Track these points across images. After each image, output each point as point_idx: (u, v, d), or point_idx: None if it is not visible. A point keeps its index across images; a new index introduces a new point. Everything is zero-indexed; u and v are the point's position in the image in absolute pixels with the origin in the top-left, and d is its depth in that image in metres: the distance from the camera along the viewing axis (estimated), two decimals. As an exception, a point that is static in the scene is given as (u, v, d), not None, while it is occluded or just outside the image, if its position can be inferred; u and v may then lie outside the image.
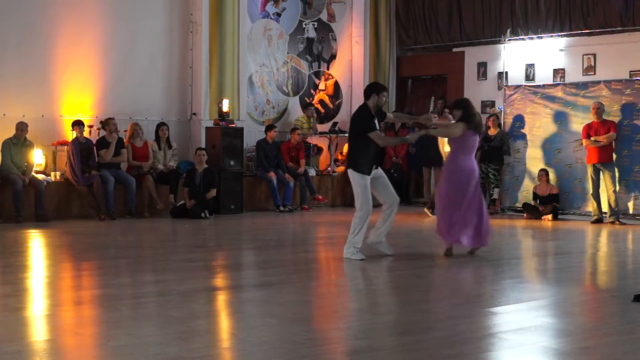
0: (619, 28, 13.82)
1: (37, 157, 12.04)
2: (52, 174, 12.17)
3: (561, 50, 14.50)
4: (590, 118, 12.41)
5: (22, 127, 11.68)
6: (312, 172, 14.60)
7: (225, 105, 13.45)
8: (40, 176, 11.88)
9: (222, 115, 13.42)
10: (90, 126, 12.58)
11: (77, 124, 12.09)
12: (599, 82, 13.00)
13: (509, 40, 14.89)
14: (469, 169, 8.27)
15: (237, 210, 13.17)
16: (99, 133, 12.69)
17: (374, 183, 8.24)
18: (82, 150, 12.01)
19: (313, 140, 15.42)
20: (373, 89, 8.31)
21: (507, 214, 13.53)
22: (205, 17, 13.93)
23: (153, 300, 6.29)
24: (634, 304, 6.04)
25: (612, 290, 7.03)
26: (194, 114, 14.11)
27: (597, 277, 8.00)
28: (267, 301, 6.19)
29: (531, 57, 14.84)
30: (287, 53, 15.73)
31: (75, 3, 12.96)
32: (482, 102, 15.35)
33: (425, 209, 13.22)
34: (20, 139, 11.67)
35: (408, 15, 16.73)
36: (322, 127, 15.85)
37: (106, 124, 12.39)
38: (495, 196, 13.58)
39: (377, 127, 8.24)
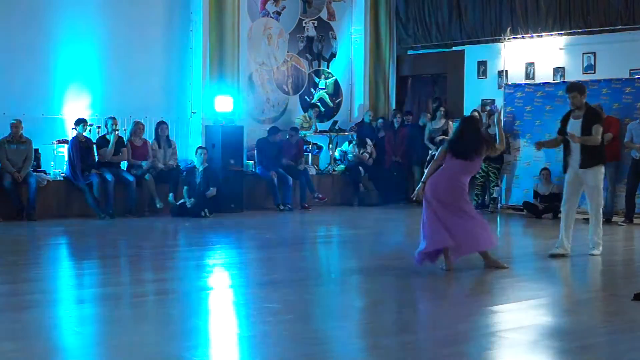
0: (619, 27, 13.82)
1: (35, 155, 12.01)
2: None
3: (561, 48, 14.48)
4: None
5: (16, 124, 11.65)
6: (312, 171, 14.60)
7: (222, 104, 13.49)
8: (41, 175, 11.89)
9: (221, 114, 13.48)
10: (90, 125, 12.57)
11: (81, 121, 12.08)
12: (599, 81, 13.00)
13: (509, 38, 14.89)
14: None
15: (237, 209, 13.17)
16: (99, 132, 12.70)
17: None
18: (81, 148, 12.01)
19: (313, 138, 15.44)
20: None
21: (507, 213, 13.54)
22: (205, 15, 13.92)
23: (153, 299, 6.29)
24: (633, 303, 6.04)
25: (612, 289, 7.03)
26: (194, 112, 14.11)
27: (597, 275, 8.00)
28: (267, 299, 6.19)
29: (531, 56, 14.83)
30: (287, 52, 15.72)
31: (75, 1, 12.96)
32: (482, 100, 15.36)
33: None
34: (15, 137, 11.66)
35: (408, 13, 16.72)
36: (322, 126, 15.85)
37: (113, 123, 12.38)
38: (496, 195, 13.59)
39: (567, 129, 8.59)
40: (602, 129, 8.59)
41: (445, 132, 14.71)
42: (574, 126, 8.59)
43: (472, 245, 7.48)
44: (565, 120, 8.78)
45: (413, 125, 15.33)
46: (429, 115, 14.88)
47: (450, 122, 14.76)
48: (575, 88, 8.63)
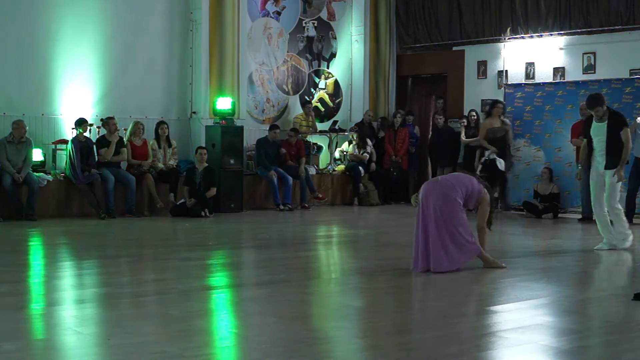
0: (619, 27, 13.81)
1: (36, 155, 12.02)
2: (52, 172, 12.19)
3: (561, 48, 14.48)
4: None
5: (17, 125, 11.66)
6: (312, 171, 14.60)
7: (222, 104, 13.49)
8: (41, 175, 11.88)
9: (221, 114, 13.49)
10: (90, 125, 12.57)
11: (81, 122, 12.07)
12: (599, 81, 13.00)
13: (509, 38, 14.89)
14: None
15: (237, 209, 13.18)
16: (99, 132, 12.70)
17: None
18: (82, 148, 12.01)
19: (313, 138, 15.43)
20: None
21: (507, 213, 13.54)
22: (205, 15, 13.93)
23: (153, 299, 6.29)
24: (633, 303, 6.04)
25: (612, 289, 7.03)
26: (194, 112, 14.11)
27: (597, 275, 8.00)
28: (267, 299, 6.19)
29: (531, 56, 14.83)
30: (287, 52, 15.73)
31: (75, 1, 12.96)
32: (482, 100, 15.36)
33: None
34: (16, 137, 11.65)
35: (408, 13, 16.72)
36: (322, 126, 15.86)
37: (107, 123, 12.40)
38: (496, 195, 13.58)
39: (591, 132, 8.95)
40: (628, 129, 8.92)
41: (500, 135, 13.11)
42: (599, 130, 8.86)
43: (434, 266, 7.42)
44: (588, 125, 9.05)
45: (439, 130, 15.16)
46: (464, 122, 14.43)
47: (506, 127, 13.23)
48: (597, 103, 8.80)
